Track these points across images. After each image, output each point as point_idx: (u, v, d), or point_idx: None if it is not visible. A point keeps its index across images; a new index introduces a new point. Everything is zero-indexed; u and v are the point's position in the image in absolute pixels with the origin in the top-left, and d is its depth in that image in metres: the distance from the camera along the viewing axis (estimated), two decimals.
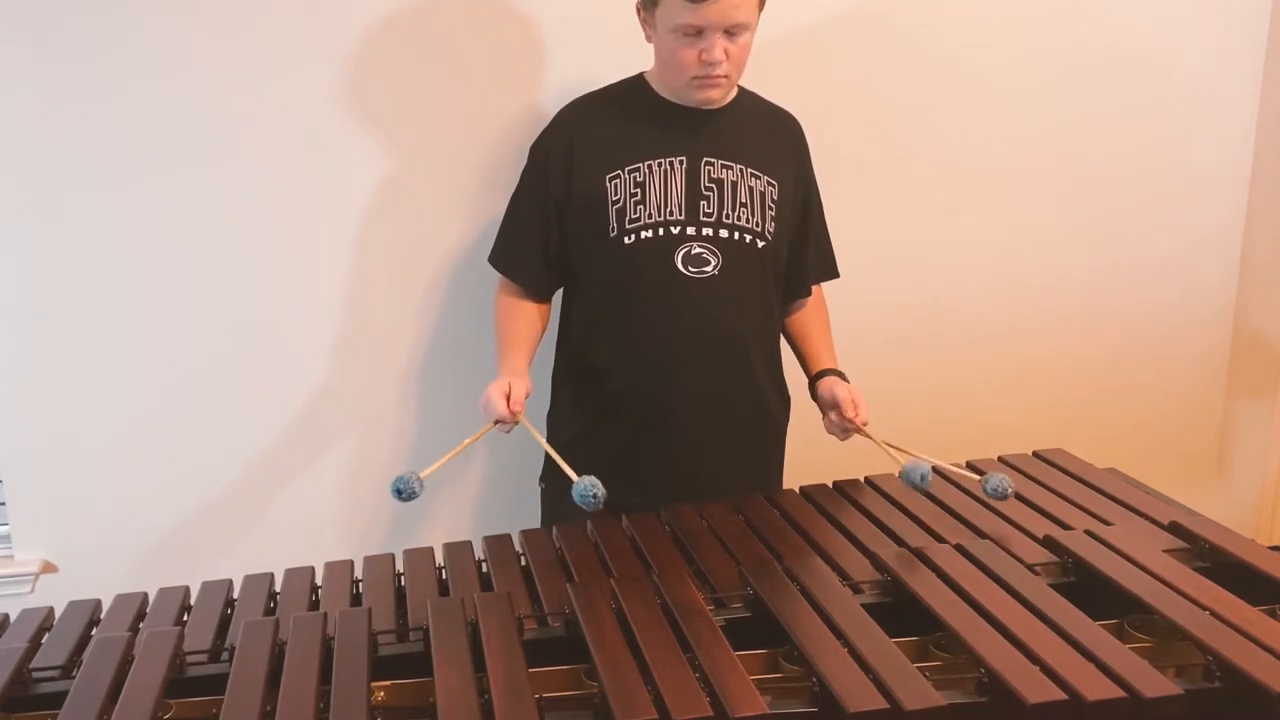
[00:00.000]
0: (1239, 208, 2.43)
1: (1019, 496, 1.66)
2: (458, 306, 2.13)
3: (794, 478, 1.84)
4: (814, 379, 1.84)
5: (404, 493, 1.44)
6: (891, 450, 1.66)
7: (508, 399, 1.59)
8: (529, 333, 1.79)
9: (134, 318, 2.04)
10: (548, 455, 1.85)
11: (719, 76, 1.65)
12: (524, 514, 1.94)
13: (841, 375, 1.82)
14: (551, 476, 1.88)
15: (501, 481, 2.22)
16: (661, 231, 1.71)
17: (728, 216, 1.72)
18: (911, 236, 2.29)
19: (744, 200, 1.73)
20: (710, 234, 1.72)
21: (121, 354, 2.05)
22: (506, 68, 2.05)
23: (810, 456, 1.90)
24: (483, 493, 2.24)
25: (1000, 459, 1.82)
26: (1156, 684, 1.11)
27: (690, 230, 1.71)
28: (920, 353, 2.35)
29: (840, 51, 2.16)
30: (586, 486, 1.42)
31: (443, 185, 2.08)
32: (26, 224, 1.97)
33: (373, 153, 2.04)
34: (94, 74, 1.92)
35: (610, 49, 1.85)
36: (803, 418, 1.89)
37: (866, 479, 1.76)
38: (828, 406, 1.77)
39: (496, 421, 1.59)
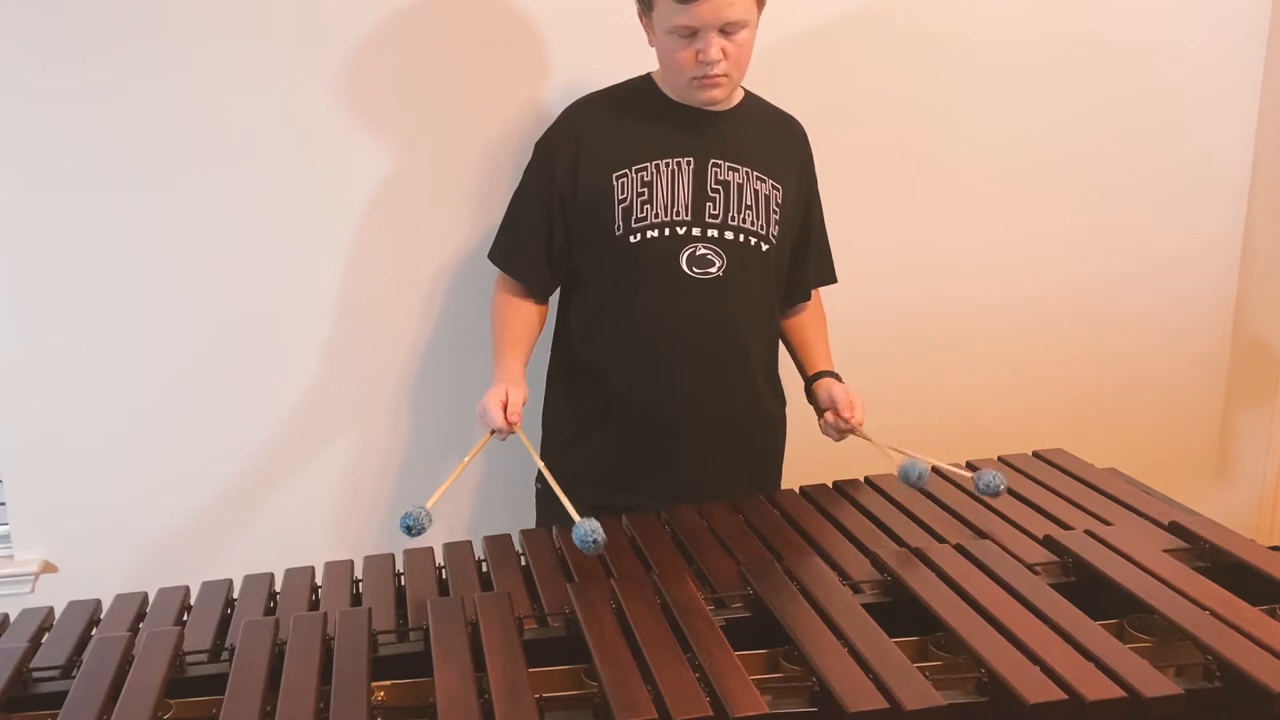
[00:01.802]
0: (1239, 207, 2.43)
1: (1019, 496, 1.66)
2: (458, 306, 2.12)
3: (794, 478, 1.84)
4: (811, 380, 1.84)
5: (414, 529, 1.40)
6: (887, 450, 1.66)
7: (504, 408, 1.58)
8: (526, 334, 1.78)
9: (133, 318, 2.04)
10: (542, 453, 1.83)
11: (718, 76, 1.64)
12: (520, 514, 1.94)
13: (838, 378, 1.82)
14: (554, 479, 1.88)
15: (497, 481, 2.22)
16: (667, 231, 1.71)
17: (733, 219, 1.73)
18: (911, 236, 2.29)
19: (749, 203, 1.73)
20: (715, 235, 1.72)
21: (121, 354, 2.05)
22: (507, 67, 2.05)
23: (810, 457, 1.90)
24: (478, 493, 2.23)
25: (1000, 459, 1.82)
26: (1156, 684, 1.11)
27: (696, 231, 1.71)
28: (920, 352, 2.35)
29: (841, 52, 2.16)
30: (587, 531, 1.37)
31: (443, 185, 2.08)
32: (25, 225, 1.97)
33: (372, 152, 2.04)
34: (89, 76, 1.92)
35: (611, 47, 1.85)
36: (802, 418, 1.89)
37: (866, 479, 1.76)
38: (824, 407, 1.78)
39: (493, 432, 1.58)
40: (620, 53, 1.80)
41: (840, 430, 1.74)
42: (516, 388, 1.62)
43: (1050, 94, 2.27)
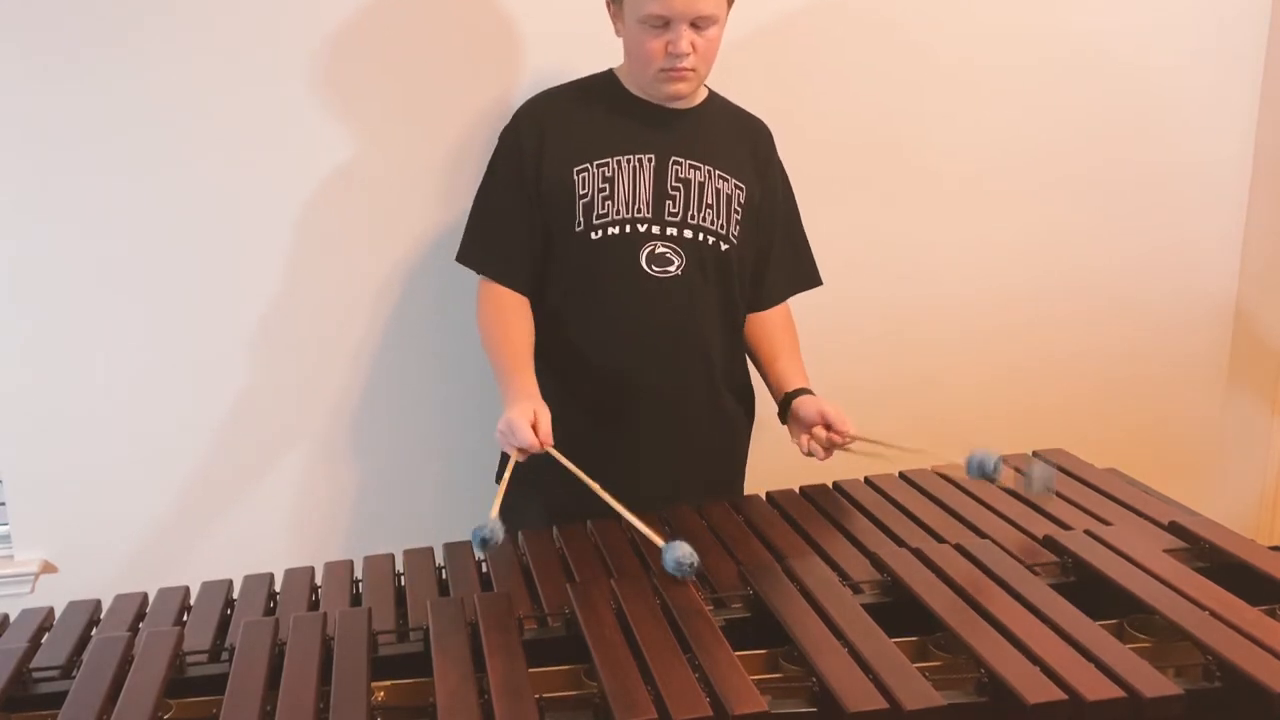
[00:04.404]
0: (1239, 208, 2.43)
1: (1019, 496, 1.66)
2: (443, 297, 2.12)
3: (791, 479, 1.83)
4: (788, 397, 1.76)
5: (490, 541, 1.41)
6: (893, 448, 1.64)
7: (534, 427, 1.54)
8: (527, 341, 1.72)
9: (133, 318, 2.04)
10: (504, 453, 1.80)
11: (686, 69, 1.64)
12: (484, 518, 1.93)
13: (813, 394, 1.76)
14: (514, 478, 1.85)
15: (458, 484, 2.21)
16: (628, 229, 1.70)
17: (693, 217, 1.72)
18: (910, 234, 2.29)
19: (710, 202, 1.73)
20: (674, 234, 1.71)
21: (121, 354, 2.05)
22: (474, 62, 2.04)
23: (806, 459, 1.90)
24: (438, 496, 2.22)
25: (1000, 459, 1.82)
26: (1156, 684, 1.11)
27: (655, 229, 1.71)
28: (920, 353, 2.34)
29: (841, 53, 2.17)
30: (683, 555, 1.36)
31: (410, 183, 2.07)
32: (25, 225, 1.97)
33: (339, 149, 2.03)
34: (81, 74, 1.93)
35: (580, 44, 1.85)
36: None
37: (866, 479, 1.76)
38: (810, 424, 1.70)
39: (519, 450, 1.54)
40: (591, 51, 1.80)
41: (831, 446, 1.68)
42: (542, 406, 1.58)
43: (1050, 94, 2.27)
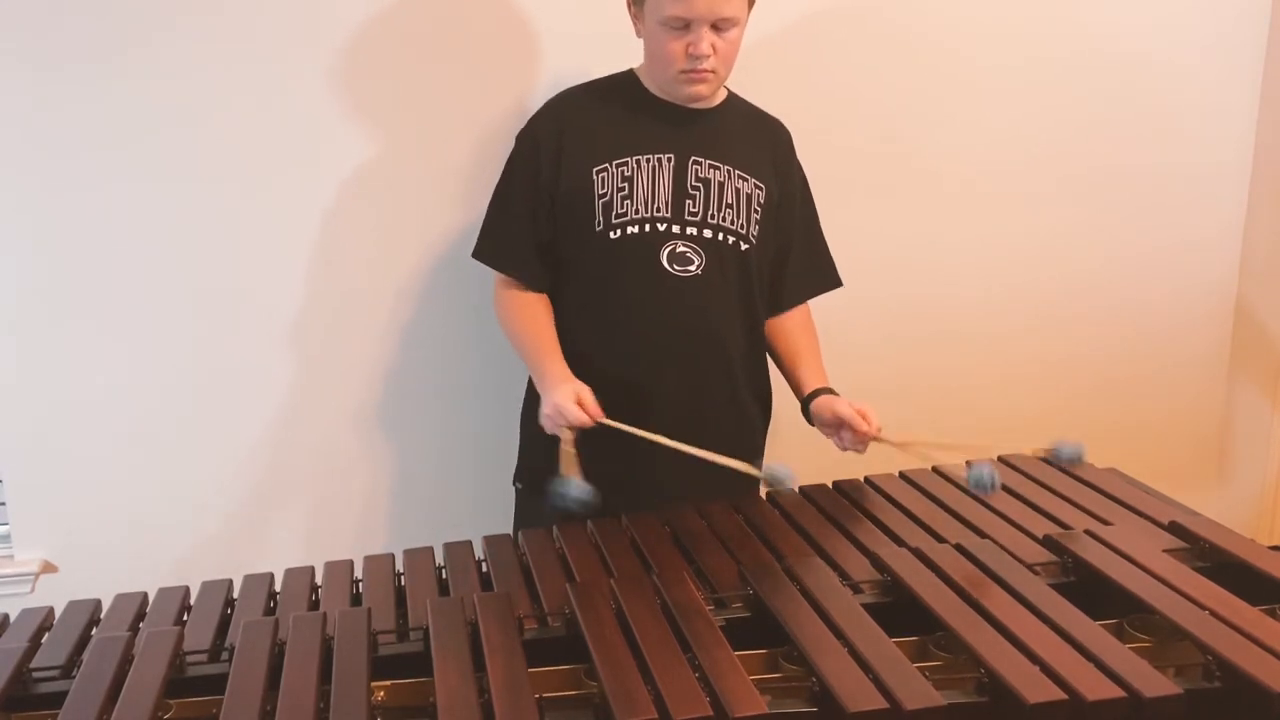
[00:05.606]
0: (1239, 208, 2.43)
1: (1019, 496, 1.66)
2: (449, 300, 2.12)
3: (798, 478, 1.83)
4: (807, 399, 1.78)
5: (585, 501, 1.48)
6: (920, 449, 1.64)
7: (580, 405, 1.57)
8: (552, 329, 1.74)
9: (133, 317, 2.05)
10: (521, 454, 1.85)
11: (706, 71, 1.64)
12: (497, 517, 1.94)
13: (834, 393, 1.77)
14: (527, 477, 1.87)
15: (458, 484, 2.21)
16: (647, 228, 1.70)
17: (713, 217, 1.72)
18: (912, 234, 2.29)
19: (730, 201, 1.73)
20: (694, 233, 1.71)
21: (121, 354, 2.05)
22: (493, 63, 2.04)
23: (810, 457, 1.90)
24: (438, 496, 2.22)
25: (1000, 459, 1.82)
26: (1156, 684, 1.11)
27: (675, 229, 1.71)
28: (920, 352, 2.35)
29: (844, 54, 2.17)
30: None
31: (431, 182, 2.07)
32: (26, 225, 1.97)
33: (360, 150, 2.03)
34: (86, 76, 1.93)
35: (600, 44, 1.85)
36: (798, 418, 1.88)
37: (866, 479, 1.76)
38: (833, 427, 1.71)
39: (569, 429, 1.56)
40: (611, 52, 1.80)
41: (861, 444, 1.69)
42: (583, 385, 1.61)
43: (1051, 94, 2.27)
